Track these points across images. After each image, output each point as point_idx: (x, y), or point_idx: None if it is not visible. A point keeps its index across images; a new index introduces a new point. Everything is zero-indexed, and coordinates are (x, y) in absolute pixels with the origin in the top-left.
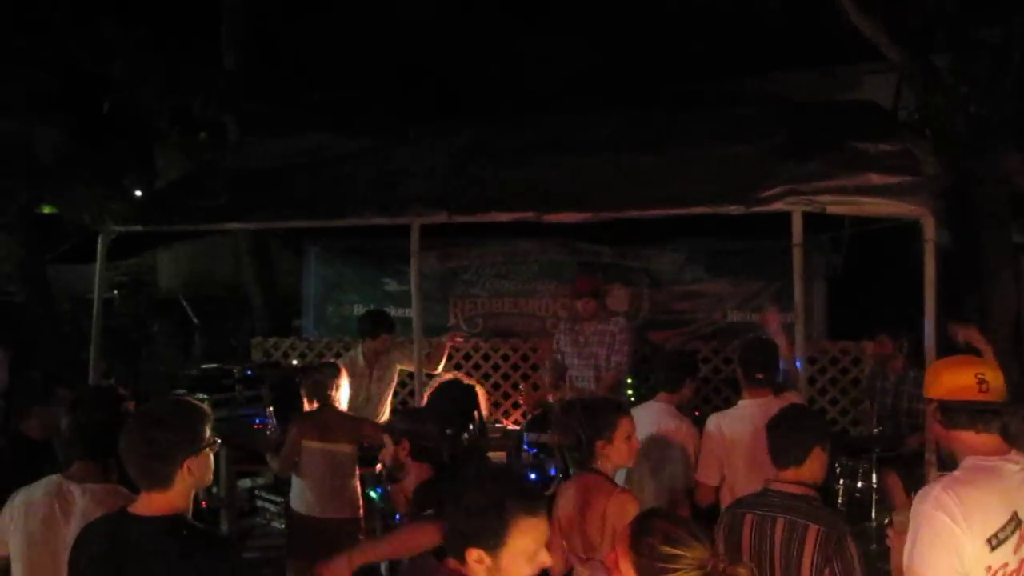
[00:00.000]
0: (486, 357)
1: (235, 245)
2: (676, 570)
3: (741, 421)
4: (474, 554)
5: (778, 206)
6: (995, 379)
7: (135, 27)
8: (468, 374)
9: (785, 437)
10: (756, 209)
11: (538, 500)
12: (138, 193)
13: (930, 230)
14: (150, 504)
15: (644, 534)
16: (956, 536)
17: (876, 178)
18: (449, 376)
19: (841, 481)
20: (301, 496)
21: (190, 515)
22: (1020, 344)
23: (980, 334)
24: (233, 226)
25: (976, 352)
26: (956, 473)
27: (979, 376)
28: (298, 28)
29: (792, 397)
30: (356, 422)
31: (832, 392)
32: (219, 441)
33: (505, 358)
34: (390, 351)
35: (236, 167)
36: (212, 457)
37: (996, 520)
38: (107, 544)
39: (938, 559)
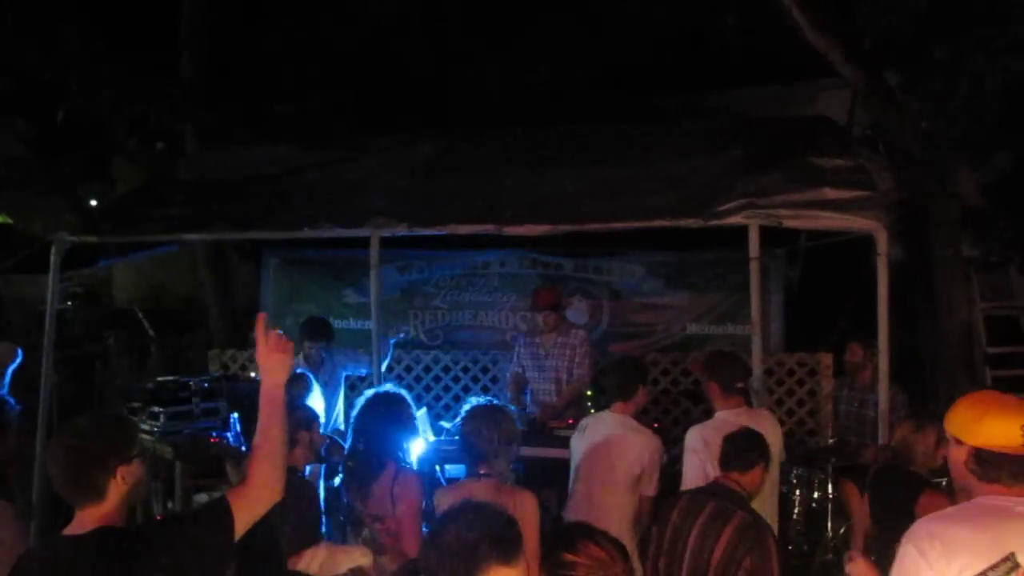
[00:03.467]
0: (446, 369)
1: (192, 256)
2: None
3: (722, 433)
4: None
5: (735, 220)
6: None
7: (91, 36)
8: (428, 386)
9: (740, 448)
10: (713, 223)
11: (515, 547)
12: (94, 203)
13: (883, 244)
14: (84, 521)
15: (552, 546)
16: (919, 570)
17: (831, 193)
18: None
19: (798, 491)
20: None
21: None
22: (971, 357)
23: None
24: (190, 237)
25: None
26: (950, 509)
27: None
28: (258, 39)
29: (765, 412)
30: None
31: (789, 403)
32: (147, 452)
33: (465, 370)
34: (333, 355)
35: (194, 178)
36: (143, 468)
37: (982, 559)
38: (44, 571)
39: None
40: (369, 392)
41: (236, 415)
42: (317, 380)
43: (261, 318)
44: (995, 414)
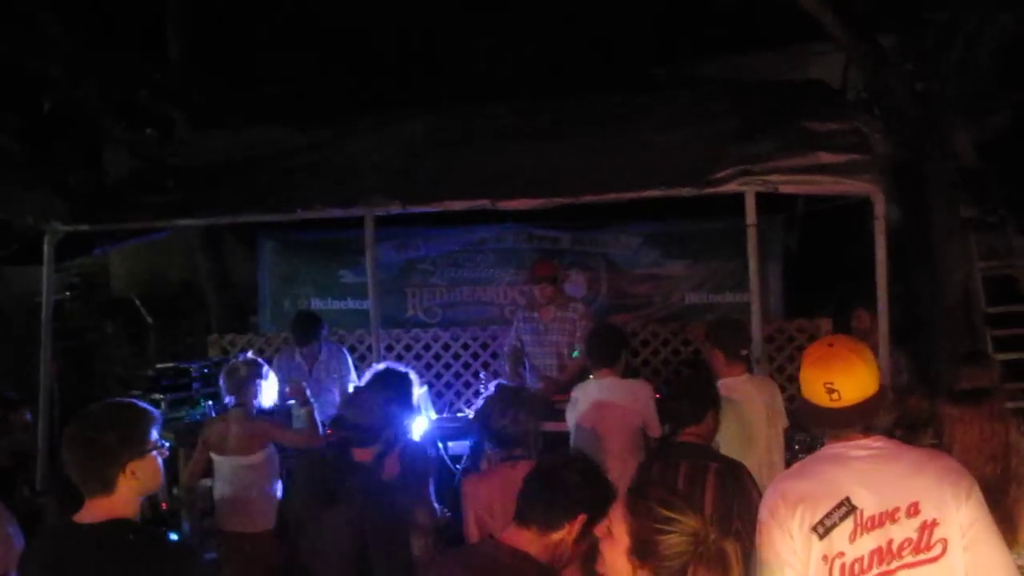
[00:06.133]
0: (446, 347)
1: (188, 242)
2: (671, 532)
3: (743, 401)
4: (580, 521)
5: (731, 187)
6: (848, 384)
7: (75, 22)
8: (428, 364)
9: (689, 402)
10: (709, 191)
11: None
12: (85, 192)
13: (880, 207)
14: (93, 511)
15: (642, 497)
16: (771, 531)
17: (826, 157)
18: (382, 366)
19: (799, 456)
20: (218, 509)
21: (138, 520)
22: (970, 318)
23: None
24: (184, 222)
25: None
26: (793, 466)
27: (828, 386)
28: (246, 20)
29: (767, 379)
30: (269, 429)
31: (790, 369)
32: (167, 445)
33: (465, 347)
34: (328, 361)
35: (186, 162)
36: (159, 462)
37: (821, 508)
38: (52, 557)
39: (763, 552)
40: (370, 370)
41: (211, 402)
42: (311, 375)
43: None
44: (807, 367)
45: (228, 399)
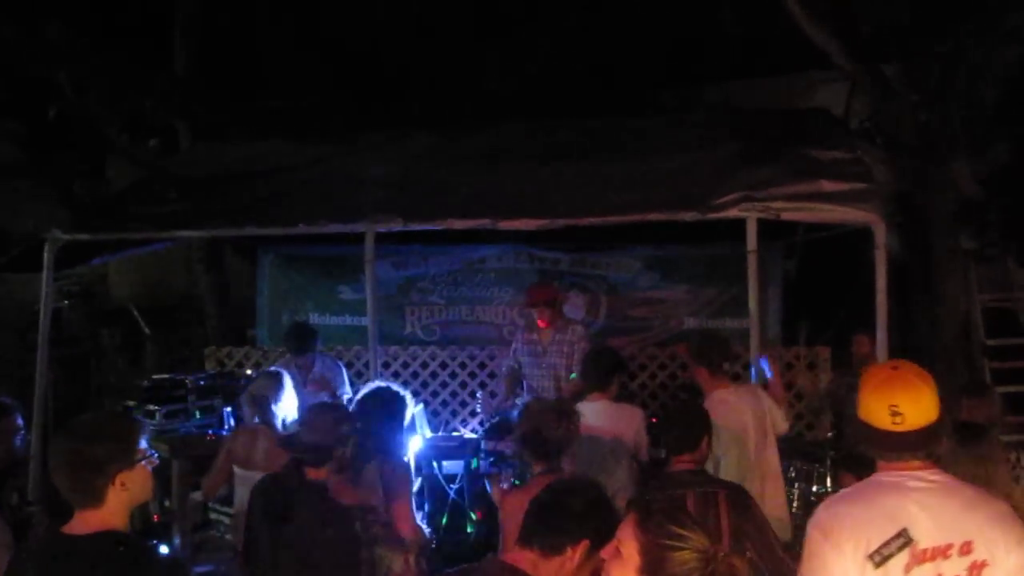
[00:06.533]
0: (443, 365)
1: (188, 253)
2: (681, 549)
3: (722, 413)
4: (583, 547)
5: (733, 212)
6: (913, 409)
7: (83, 31)
8: (425, 382)
9: (683, 429)
10: (711, 216)
11: None
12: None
13: (881, 236)
14: (83, 523)
15: (652, 514)
16: (825, 553)
17: (828, 185)
18: (382, 383)
19: (796, 485)
20: (233, 527)
21: (127, 531)
22: (969, 350)
23: None
24: (184, 234)
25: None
26: (848, 489)
27: (893, 408)
28: (253, 34)
29: (757, 388)
30: None
31: (787, 396)
32: (156, 454)
33: (462, 366)
34: (323, 373)
35: (188, 174)
36: (149, 471)
37: (878, 536)
38: (39, 568)
39: (813, 573)
40: (365, 388)
41: (229, 409)
42: (305, 387)
43: None
44: (870, 390)
45: (254, 418)
